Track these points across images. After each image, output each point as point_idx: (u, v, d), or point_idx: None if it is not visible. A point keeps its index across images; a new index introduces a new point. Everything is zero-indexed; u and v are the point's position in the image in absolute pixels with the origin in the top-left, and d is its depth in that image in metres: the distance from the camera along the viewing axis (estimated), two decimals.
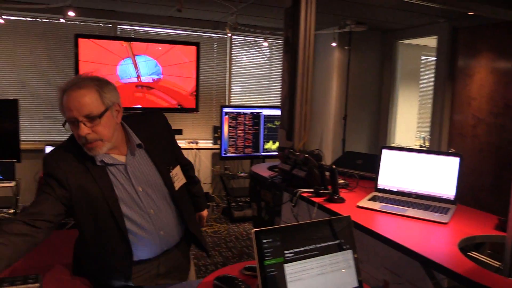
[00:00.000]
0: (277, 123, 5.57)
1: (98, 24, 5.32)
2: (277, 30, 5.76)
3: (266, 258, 0.96)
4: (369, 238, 1.71)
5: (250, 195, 4.02)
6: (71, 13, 4.15)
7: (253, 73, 6.25)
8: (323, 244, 1.05)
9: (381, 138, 6.18)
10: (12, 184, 4.45)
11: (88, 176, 1.47)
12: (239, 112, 5.38)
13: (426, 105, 6.85)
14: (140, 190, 1.54)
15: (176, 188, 1.65)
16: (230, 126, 5.33)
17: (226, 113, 5.29)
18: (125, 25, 5.44)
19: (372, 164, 2.67)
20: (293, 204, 2.23)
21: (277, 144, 5.51)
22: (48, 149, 4.67)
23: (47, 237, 1.40)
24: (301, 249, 1.02)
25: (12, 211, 4.91)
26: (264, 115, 5.54)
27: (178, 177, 1.66)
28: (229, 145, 5.36)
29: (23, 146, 4.67)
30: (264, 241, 0.97)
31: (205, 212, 2.03)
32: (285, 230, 1.02)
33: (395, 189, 2.17)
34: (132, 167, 1.55)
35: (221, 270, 1.16)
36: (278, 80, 6.34)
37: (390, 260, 1.81)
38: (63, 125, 1.48)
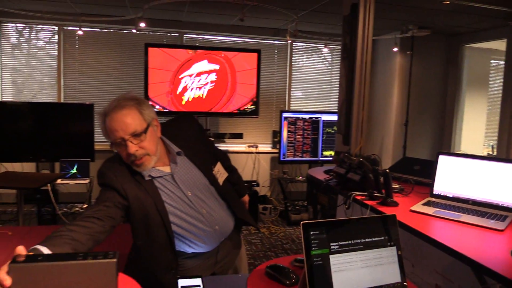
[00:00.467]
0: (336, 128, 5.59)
1: (165, 33, 5.67)
2: (337, 36, 5.78)
3: (313, 248, 1.06)
4: (421, 243, 1.73)
5: (307, 199, 4.08)
6: (142, 24, 4.47)
7: (313, 78, 6.31)
8: (367, 239, 1.12)
9: (445, 145, 5.98)
10: (87, 181, 4.86)
11: (141, 188, 1.56)
12: (298, 117, 5.46)
13: (496, 112, 6.51)
14: (190, 194, 1.65)
15: (221, 183, 1.77)
16: (289, 131, 5.43)
17: (286, 118, 5.40)
18: (191, 34, 5.75)
19: (429, 171, 2.65)
20: (346, 206, 2.28)
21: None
22: None
23: (104, 239, 1.44)
24: (346, 242, 1.10)
25: (85, 206, 5.36)
26: (323, 120, 5.58)
27: (220, 173, 1.78)
28: (288, 150, 5.46)
29: (97, 147, 5.08)
30: (312, 233, 1.06)
31: (246, 198, 2.13)
32: (331, 224, 1.11)
33: (451, 195, 2.15)
34: (178, 175, 1.64)
35: (273, 261, 1.26)
36: (338, 86, 6.35)
37: (442, 264, 1.81)
38: (111, 147, 1.56)
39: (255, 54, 5.25)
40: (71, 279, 0.99)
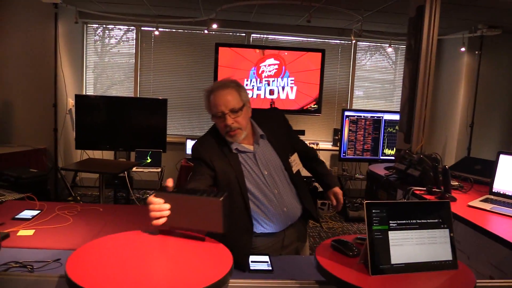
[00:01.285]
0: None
1: (233, 33, 5.98)
2: (401, 36, 5.79)
3: (374, 224, 1.24)
4: (477, 236, 1.84)
5: (366, 195, 4.20)
6: (214, 25, 4.79)
7: (376, 77, 6.36)
8: (423, 220, 1.29)
9: None
10: (159, 169, 5.29)
11: (226, 160, 1.82)
12: (360, 116, 5.55)
13: None
14: (266, 173, 1.87)
15: (294, 172, 1.97)
16: (350, 130, 5.53)
17: (347, 116, 5.51)
18: (257, 34, 6.02)
19: (490, 170, 2.71)
20: (405, 200, 2.41)
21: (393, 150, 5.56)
22: (189, 142, 5.43)
23: None
24: (404, 221, 1.27)
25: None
26: (385, 119, 5.62)
27: (295, 162, 1.98)
28: (348, 148, 5.57)
29: (168, 139, 5.50)
30: (373, 211, 1.25)
31: (337, 189, 2.05)
32: (391, 204, 1.29)
33: (511, 194, 2.23)
34: (259, 154, 1.88)
35: (338, 237, 1.46)
36: (400, 85, 6.35)
37: (497, 257, 1.91)
38: (212, 119, 1.86)
39: (319, 54, 5.41)
40: (192, 208, 1.35)
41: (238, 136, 1.82)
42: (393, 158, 5.61)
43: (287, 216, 1.95)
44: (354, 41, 5.81)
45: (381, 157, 5.67)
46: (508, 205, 2.11)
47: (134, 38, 5.92)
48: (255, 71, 5.39)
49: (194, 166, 1.87)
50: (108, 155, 5.73)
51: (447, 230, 1.32)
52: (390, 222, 1.27)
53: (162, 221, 1.35)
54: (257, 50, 5.38)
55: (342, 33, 5.94)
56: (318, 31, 5.91)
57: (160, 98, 5.49)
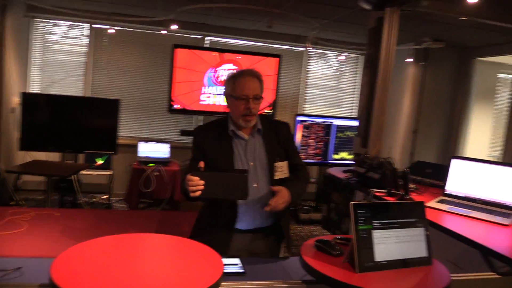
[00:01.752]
0: (348, 133, 5.83)
1: (188, 35, 5.93)
2: (353, 45, 6.04)
3: (360, 224, 1.31)
4: (435, 234, 1.97)
5: (320, 197, 4.33)
6: (174, 26, 4.73)
7: (326, 84, 6.57)
8: (402, 220, 1.37)
9: (450, 154, 6.22)
10: (110, 172, 5.12)
11: (218, 144, 1.95)
12: (312, 121, 5.70)
13: (500, 124, 6.76)
14: (251, 164, 1.96)
15: (275, 177, 1.98)
16: (303, 135, 5.66)
17: (300, 121, 5.63)
18: (214, 37, 6.01)
19: (440, 174, 2.91)
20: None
21: (345, 154, 5.77)
22: (141, 144, 5.30)
23: None
24: (386, 221, 1.35)
25: (106, 196, 5.62)
26: (336, 125, 5.81)
27: (282, 170, 2.00)
28: (301, 152, 5.69)
29: (120, 141, 5.33)
30: (359, 211, 1.32)
31: (285, 192, 1.88)
32: (374, 205, 1.36)
33: (462, 195, 2.41)
34: (250, 145, 1.99)
35: (319, 237, 1.51)
36: (349, 92, 6.61)
37: (453, 254, 2.06)
38: (228, 99, 1.99)
39: (276, 59, 5.51)
40: (221, 183, 1.75)
41: (251, 122, 1.96)
42: (342, 162, 5.81)
43: (257, 215, 1.97)
44: (309, 48, 5.97)
45: (330, 161, 5.86)
46: (461, 205, 2.28)
47: (86, 35, 5.69)
48: (212, 74, 5.37)
49: (193, 150, 2.04)
50: (53, 157, 5.45)
51: (422, 229, 1.42)
52: (374, 221, 1.34)
53: (198, 193, 1.69)
54: (215, 53, 5.37)
55: (297, 40, 6.09)
56: (274, 36, 6.01)
57: (112, 98, 5.32)
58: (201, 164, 1.78)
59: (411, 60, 5.78)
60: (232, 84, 1.94)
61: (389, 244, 1.34)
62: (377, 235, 1.33)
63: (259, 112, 2.02)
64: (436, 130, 6.21)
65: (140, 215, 3.76)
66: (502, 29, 4.33)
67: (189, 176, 1.71)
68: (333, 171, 3.28)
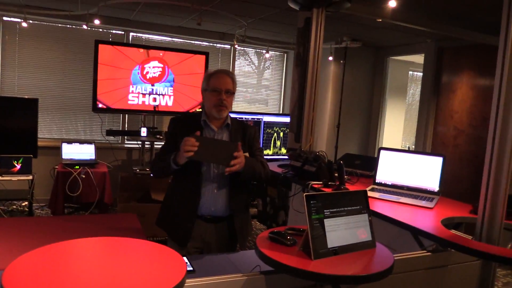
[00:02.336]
0: (276, 129, 6.00)
1: (110, 31, 5.70)
2: (277, 43, 6.22)
3: (313, 214, 1.39)
4: None
5: (255, 193, 4.43)
6: (96, 21, 4.52)
7: (253, 82, 6.70)
8: (348, 208, 1.48)
9: (370, 146, 6.68)
10: (30, 177, 4.77)
11: (189, 131, 2.06)
12: (241, 118, 5.78)
13: (410, 117, 7.40)
14: None
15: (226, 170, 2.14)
16: None
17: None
18: (137, 33, 5.84)
19: (368, 165, 3.14)
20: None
21: (273, 149, 5.94)
22: (64, 146, 5.01)
23: None
24: (335, 210, 1.44)
25: (25, 203, 5.23)
26: (264, 121, 5.96)
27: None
28: None
29: (40, 143, 5.00)
30: (311, 202, 1.40)
31: (242, 157, 2.08)
32: (324, 196, 1.45)
33: (390, 183, 2.62)
34: (217, 135, 2.21)
35: (272, 229, 1.58)
36: (276, 89, 6.80)
37: (386, 238, 2.24)
38: (203, 93, 2.24)
39: (203, 57, 5.49)
40: (213, 148, 1.98)
41: (223, 112, 2.17)
42: (272, 157, 5.99)
43: (212, 201, 2.15)
44: (236, 46, 6.03)
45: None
46: (390, 192, 2.49)
47: None
48: (139, 71, 5.22)
49: (166, 136, 2.34)
50: None
51: (366, 215, 1.54)
52: (325, 211, 1.43)
53: (191, 153, 1.94)
54: (141, 50, 5.23)
55: (223, 37, 6.13)
56: (200, 33, 5.99)
57: (29, 97, 4.96)
58: (197, 132, 2.02)
59: (332, 58, 6.09)
60: (208, 80, 2.21)
61: (339, 231, 1.44)
62: (328, 223, 1.42)
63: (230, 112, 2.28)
64: (356, 124, 6.62)
65: (76, 220, 3.56)
66: (412, 30, 4.74)
67: (187, 138, 1.95)
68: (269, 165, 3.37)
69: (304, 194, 1.39)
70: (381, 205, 2.28)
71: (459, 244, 1.66)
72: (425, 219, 2.04)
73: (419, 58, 6.25)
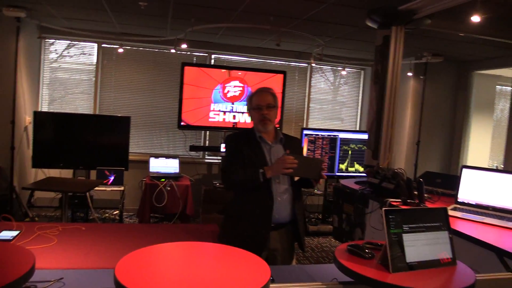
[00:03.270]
0: (353, 146, 5.97)
1: (194, 53, 6.10)
2: (354, 60, 6.23)
3: (391, 228, 1.43)
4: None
5: (332, 209, 4.45)
6: (184, 46, 4.90)
7: (329, 99, 6.74)
8: (428, 224, 1.50)
9: (453, 165, 6.37)
10: (122, 188, 5.22)
11: (251, 147, 2.35)
12: (317, 135, 5.83)
13: (499, 135, 6.93)
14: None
15: (295, 179, 2.37)
16: (308, 149, 5.79)
17: (306, 135, 5.77)
18: (218, 54, 6.19)
19: (449, 183, 3.05)
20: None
21: (351, 166, 5.90)
22: (152, 160, 5.42)
23: None
24: (414, 225, 1.47)
25: (117, 212, 5.72)
26: (340, 138, 5.96)
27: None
28: None
29: (131, 157, 5.45)
30: (390, 216, 1.44)
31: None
32: (403, 211, 1.49)
33: (474, 203, 2.54)
34: (273, 149, 2.40)
35: (349, 243, 1.64)
36: (352, 106, 6.78)
37: (469, 258, 2.18)
38: (249, 112, 2.49)
39: (281, 76, 5.67)
40: (305, 164, 2.21)
41: (267, 126, 2.37)
42: (347, 174, 5.95)
43: (277, 211, 2.29)
44: (313, 64, 6.14)
45: (337, 174, 5.99)
46: (473, 212, 2.41)
47: (95, 54, 5.85)
48: (220, 90, 5.53)
49: (228, 151, 2.46)
50: (65, 174, 5.56)
51: (446, 232, 1.54)
52: (403, 226, 1.46)
53: (290, 170, 2.17)
54: (223, 70, 5.54)
55: (300, 56, 6.27)
56: (278, 53, 6.19)
57: (122, 115, 5.45)
58: (288, 151, 2.26)
59: (411, 74, 5.96)
60: (250, 100, 2.43)
61: (418, 246, 1.46)
62: (407, 238, 1.45)
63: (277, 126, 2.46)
64: (438, 141, 6.37)
65: (164, 228, 3.86)
66: (499, 43, 4.52)
67: (287, 156, 2.19)
68: (346, 182, 3.40)
69: (384, 208, 1.44)
70: (464, 224, 2.22)
71: None
72: (511, 240, 1.96)
73: (507, 72, 5.89)
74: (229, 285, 1.23)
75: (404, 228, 1.46)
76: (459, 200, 2.60)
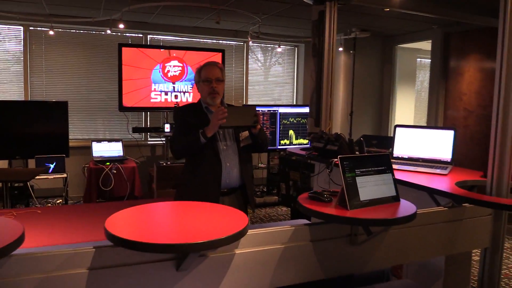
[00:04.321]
0: (292, 119, 6.25)
1: (130, 34, 6.01)
2: (289, 37, 6.48)
3: (346, 172, 1.65)
4: None
5: (280, 176, 4.71)
6: (121, 26, 4.82)
7: (266, 75, 6.96)
8: (375, 168, 1.74)
9: (382, 132, 6.92)
10: (64, 175, 5.10)
11: (198, 118, 2.46)
12: (258, 110, 6.02)
13: (420, 104, 7.62)
14: (221, 132, 2.47)
15: (241, 144, 2.50)
16: None
17: None
18: (154, 35, 6.14)
19: (384, 143, 3.40)
20: (329, 171, 2.92)
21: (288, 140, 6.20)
22: (94, 144, 5.33)
23: None
24: (364, 169, 1.71)
25: (60, 201, 5.56)
26: (280, 112, 6.21)
27: (245, 138, 2.50)
28: None
29: (71, 143, 5.32)
30: (344, 163, 1.66)
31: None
32: (355, 158, 1.72)
33: (406, 156, 2.88)
34: None
35: (310, 192, 1.85)
36: (289, 82, 7.06)
37: (407, 198, 2.50)
38: (197, 85, 2.58)
39: (220, 54, 5.77)
40: (239, 114, 2.37)
41: (216, 99, 2.49)
42: (287, 147, 6.25)
43: (226, 176, 2.43)
44: (250, 42, 6.29)
45: (278, 147, 6.26)
46: (407, 164, 2.75)
47: (22, 38, 5.55)
48: (160, 70, 5.52)
49: (176, 122, 2.60)
50: (0, 164, 5.30)
51: (390, 174, 1.80)
52: (356, 170, 1.70)
53: (223, 120, 2.25)
54: (163, 50, 5.53)
55: (236, 35, 6.40)
56: (214, 32, 6.26)
57: (59, 100, 5.28)
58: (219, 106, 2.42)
59: (342, 49, 6.33)
60: (199, 73, 2.53)
61: (368, 187, 1.71)
62: (359, 180, 1.69)
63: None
64: (369, 111, 6.86)
65: (124, 205, 3.85)
66: (419, 17, 4.97)
67: (219, 108, 2.32)
68: (292, 149, 3.64)
69: (339, 156, 1.66)
70: (400, 174, 2.53)
71: (473, 198, 1.92)
72: (441, 182, 2.30)
73: (426, 45, 6.46)
74: (215, 229, 1.39)
75: (357, 172, 1.70)
76: (394, 155, 2.93)
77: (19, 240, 1.24)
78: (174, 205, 1.65)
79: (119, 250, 1.34)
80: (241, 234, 1.37)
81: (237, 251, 1.54)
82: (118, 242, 1.26)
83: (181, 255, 1.37)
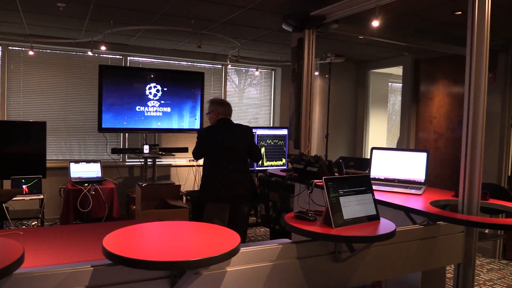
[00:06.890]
0: (269, 141, 6.37)
1: (109, 55, 6.05)
2: (266, 61, 6.66)
3: (331, 192, 1.76)
4: None
5: (259, 198, 4.78)
6: (103, 48, 4.87)
7: (245, 98, 7.10)
8: (357, 188, 1.86)
9: (357, 154, 7.12)
10: (40, 196, 5.02)
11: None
12: None
13: (392, 126, 7.91)
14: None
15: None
16: None
17: None
18: (134, 57, 6.20)
19: (361, 165, 3.55)
20: (309, 191, 3.02)
21: (268, 162, 6.30)
22: (72, 165, 5.28)
23: None
24: (347, 190, 1.82)
25: (35, 222, 5.45)
26: (258, 134, 6.33)
27: None
28: None
29: (49, 164, 5.26)
30: (329, 183, 1.77)
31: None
32: (338, 179, 1.83)
33: (383, 177, 3.02)
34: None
35: (295, 211, 1.94)
36: (266, 104, 7.22)
37: (385, 217, 2.63)
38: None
39: (199, 76, 5.87)
40: None
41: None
42: (267, 168, 6.34)
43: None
44: (229, 66, 6.43)
45: (256, 168, 6.35)
46: (383, 185, 2.89)
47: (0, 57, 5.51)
48: (141, 91, 5.58)
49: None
50: None
51: (370, 194, 1.92)
52: (339, 190, 1.81)
53: None
54: (143, 72, 5.58)
55: (215, 58, 6.53)
56: (193, 55, 6.38)
57: (37, 120, 5.24)
58: None
59: (317, 73, 6.55)
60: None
61: (351, 206, 1.82)
62: (343, 200, 1.80)
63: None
64: (344, 134, 7.07)
65: (107, 226, 3.82)
66: (390, 45, 5.24)
67: None
68: (273, 171, 3.75)
69: (324, 177, 1.77)
70: (378, 194, 2.66)
71: (446, 217, 2.05)
72: (416, 202, 2.43)
73: (397, 70, 6.76)
74: (209, 247, 1.46)
75: (340, 192, 1.81)
76: (371, 176, 3.07)
77: (20, 260, 1.27)
78: (169, 225, 1.71)
79: (116, 268, 1.39)
80: (235, 251, 1.44)
81: (229, 269, 1.61)
82: (118, 260, 1.31)
83: (177, 272, 1.43)
